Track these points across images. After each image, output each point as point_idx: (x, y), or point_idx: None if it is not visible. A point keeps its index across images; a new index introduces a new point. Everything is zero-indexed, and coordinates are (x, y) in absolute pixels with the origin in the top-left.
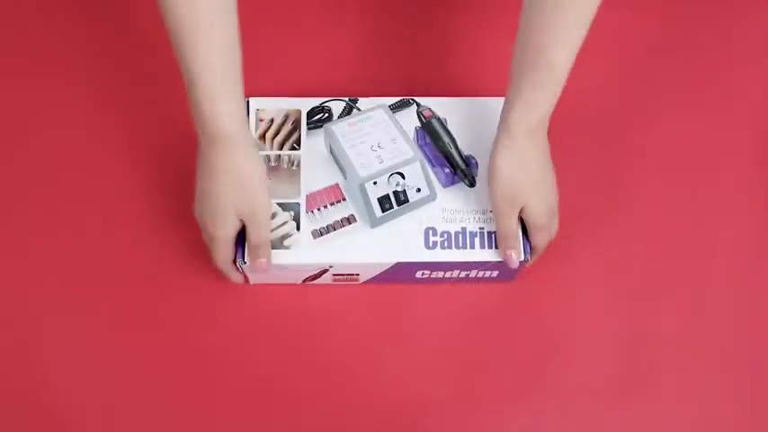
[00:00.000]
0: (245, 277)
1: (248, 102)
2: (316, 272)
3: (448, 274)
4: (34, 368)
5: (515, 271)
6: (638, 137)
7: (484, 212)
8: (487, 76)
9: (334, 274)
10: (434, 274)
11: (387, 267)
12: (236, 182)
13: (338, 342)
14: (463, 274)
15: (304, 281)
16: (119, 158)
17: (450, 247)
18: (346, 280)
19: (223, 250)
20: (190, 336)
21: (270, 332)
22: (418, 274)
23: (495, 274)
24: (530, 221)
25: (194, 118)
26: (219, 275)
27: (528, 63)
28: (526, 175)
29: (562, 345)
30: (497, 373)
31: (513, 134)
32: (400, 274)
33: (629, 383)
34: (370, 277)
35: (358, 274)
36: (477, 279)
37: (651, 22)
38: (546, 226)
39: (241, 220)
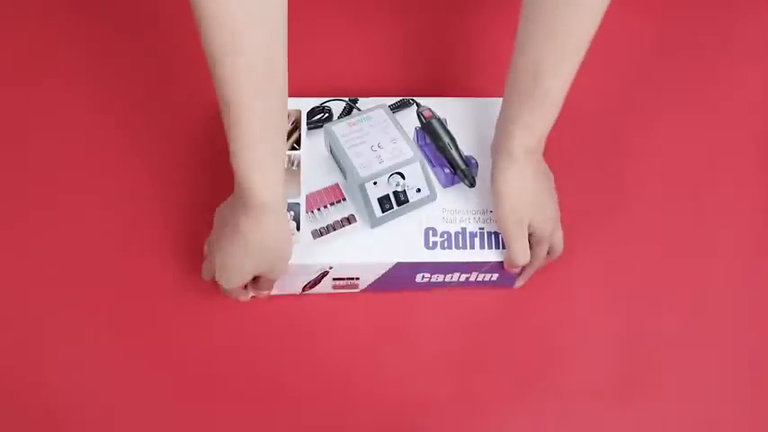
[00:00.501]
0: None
1: None
2: (316, 275)
3: (448, 278)
4: (34, 368)
5: (514, 277)
6: (639, 137)
7: (484, 212)
8: (488, 76)
9: (334, 279)
10: (435, 278)
11: (387, 269)
12: (263, 251)
13: (338, 349)
14: (463, 278)
15: (303, 288)
16: (119, 159)
17: (450, 247)
18: (346, 286)
19: (233, 293)
20: (190, 339)
21: (270, 337)
22: (418, 278)
23: (494, 277)
24: (535, 234)
25: (234, 171)
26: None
27: (524, 90)
28: (527, 193)
29: (562, 346)
30: (497, 374)
31: (514, 157)
32: (400, 277)
33: (629, 384)
34: (370, 282)
35: (358, 279)
36: (477, 283)
37: (651, 23)
38: (548, 238)
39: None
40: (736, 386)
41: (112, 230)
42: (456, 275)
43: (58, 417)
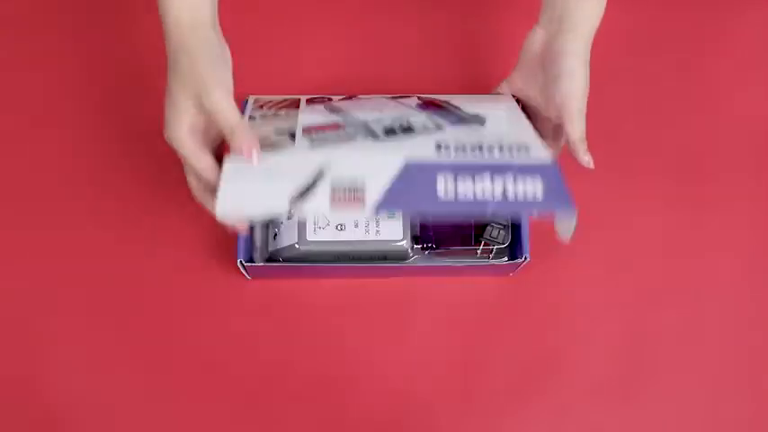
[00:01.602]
0: (246, 271)
1: (248, 100)
2: (309, 178)
3: (479, 188)
4: (34, 368)
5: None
6: (638, 137)
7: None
8: (488, 76)
9: (332, 188)
10: (462, 187)
11: (396, 171)
12: (179, 68)
13: (338, 337)
14: (499, 187)
15: (292, 203)
16: (114, 157)
17: (464, 151)
18: (348, 200)
19: (188, 159)
20: (190, 333)
21: (269, 329)
22: (440, 189)
23: (539, 191)
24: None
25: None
26: (225, 270)
27: None
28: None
29: (562, 343)
30: (497, 373)
31: (579, 34)
32: (417, 190)
33: (629, 383)
34: (378, 196)
35: (363, 190)
36: (517, 204)
37: (647, 19)
38: None
39: (202, 117)
40: (736, 386)
41: (112, 230)
42: (487, 179)
43: (57, 417)
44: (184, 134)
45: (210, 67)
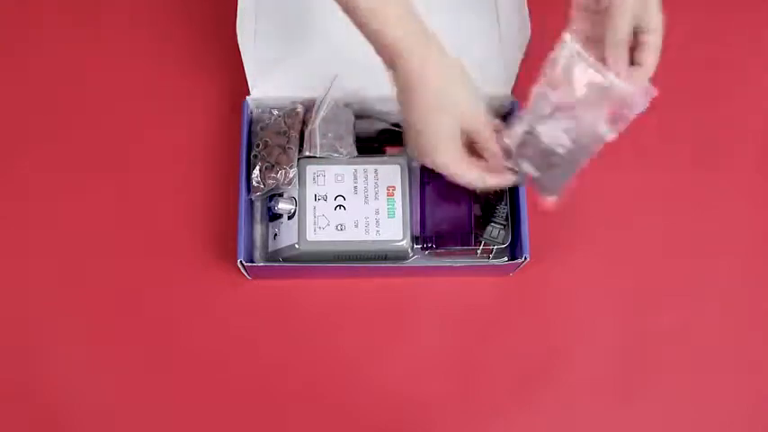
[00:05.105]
0: (246, 271)
1: (247, 99)
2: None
3: None
4: (34, 368)
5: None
6: (638, 137)
7: None
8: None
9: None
10: None
11: None
12: (444, 95)
13: (338, 337)
14: None
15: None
16: (114, 156)
17: None
18: None
19: (464, 173)
20: (190, 333)
21: (269, 329)
22: None
23: None
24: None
25: (384, 51)
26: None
27: None
28: None
29: (562, 343)
30: (497, 372)
31: None
32: None
33: (629, 383)
34: None
35: None
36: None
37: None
38: None
39: (464, 135)
40: (736, 386)
41: (112, 229)
42: None
43: (57, 417)
44: (456, 157)
45: (464, 91)
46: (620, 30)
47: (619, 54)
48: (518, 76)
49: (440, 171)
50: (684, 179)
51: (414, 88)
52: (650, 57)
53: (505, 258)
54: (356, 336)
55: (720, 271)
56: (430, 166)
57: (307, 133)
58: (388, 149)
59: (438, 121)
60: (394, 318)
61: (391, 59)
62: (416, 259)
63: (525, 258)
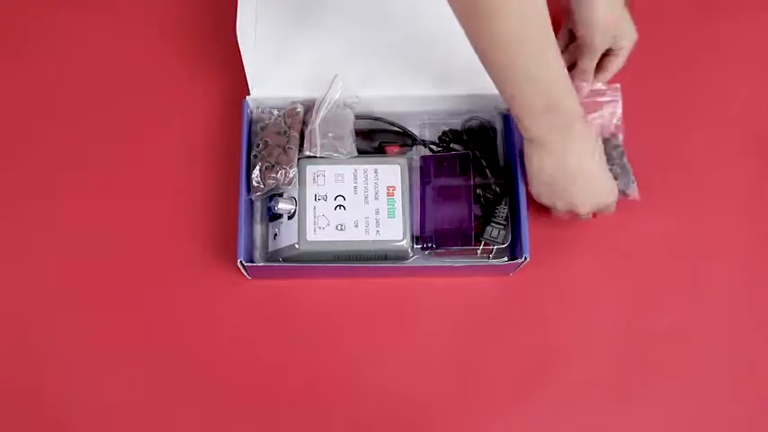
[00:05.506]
0: (246, 271)
1: (247, 99)
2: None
3: None
4: (34, 368)
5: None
6: (638, 137)
7: None
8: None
9: None
10: None
11: None
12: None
13: (338, 337)
14: None
15: None
16: (114, 159)
17: None
18: None
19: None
20: (190, 333)
21: (269, 329)
22: None
23: None
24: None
25: (548, 108)
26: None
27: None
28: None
29: (562, 343)
30: (497, 372)
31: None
32: None
33: (628, 383)
34: None
35: None
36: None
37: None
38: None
39: None
40: (736, 386)
41: (112, 229)
42: None
43: (57, 416)
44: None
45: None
46: (588, 65)
47: (584, 78)
48: None
49: (597, 211)
50: (684, 179)
51: (572, 137)
52: (613, 65)
53: (505, 258)
54: (356, 336)
55: (720, 271)
56: (587, 209)
57: (307, 133)
58: (388, 149)
59: (601, 165)
60: (394, 318)
61: (567, 111)
62: (416, 259)
63: (525, 258)
